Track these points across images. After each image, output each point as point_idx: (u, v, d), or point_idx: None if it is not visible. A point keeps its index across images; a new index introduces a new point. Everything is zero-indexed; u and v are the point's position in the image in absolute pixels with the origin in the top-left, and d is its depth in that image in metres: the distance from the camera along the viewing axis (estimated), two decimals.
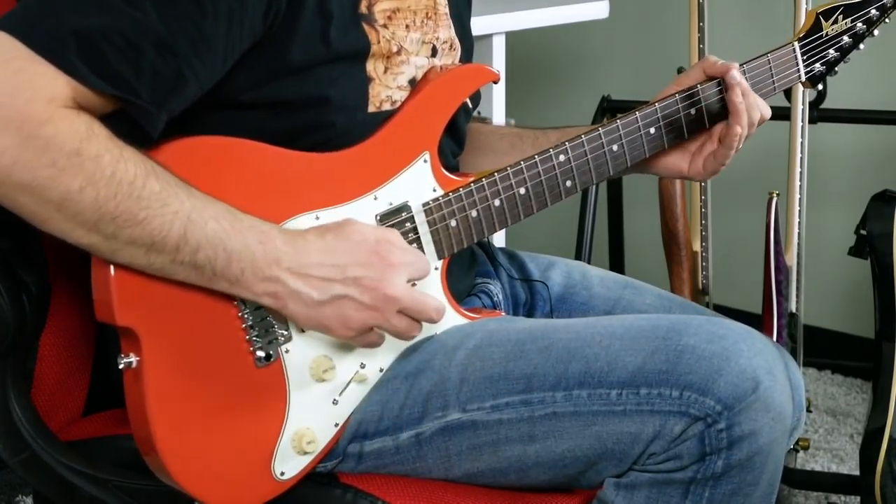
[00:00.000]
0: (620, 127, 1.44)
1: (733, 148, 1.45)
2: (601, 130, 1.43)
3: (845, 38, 1.55)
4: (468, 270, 1.52)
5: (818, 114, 2.30)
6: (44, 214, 1.14)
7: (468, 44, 1.52)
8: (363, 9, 1.32)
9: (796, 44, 1.53)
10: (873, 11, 1.56)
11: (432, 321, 1.30)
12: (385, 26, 1.34)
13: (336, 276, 1.23)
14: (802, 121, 2.22)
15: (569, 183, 1.42)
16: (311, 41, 1.27)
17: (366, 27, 1.32)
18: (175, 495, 1.28)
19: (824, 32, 1.54)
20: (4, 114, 1.10)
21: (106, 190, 1.14)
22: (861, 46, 1.57)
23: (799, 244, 2.25)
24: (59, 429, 1.41)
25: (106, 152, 1.14)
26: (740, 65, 1.48)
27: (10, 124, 1.10)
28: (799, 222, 2.24)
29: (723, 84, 1.45)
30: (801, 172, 2.23)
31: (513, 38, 2.55)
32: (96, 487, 1.35)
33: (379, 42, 1.33)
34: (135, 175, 1.15)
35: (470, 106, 1.51)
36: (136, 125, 1.18)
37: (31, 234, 1.35)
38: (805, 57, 1.53)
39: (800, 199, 2.23)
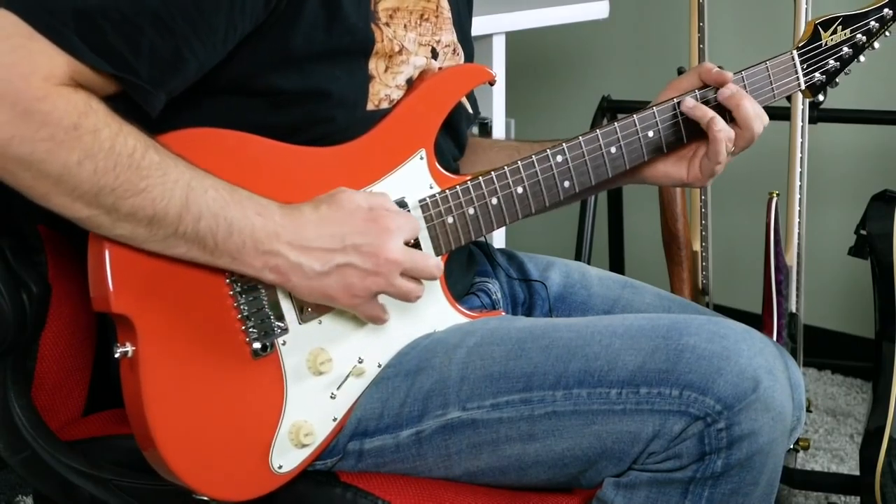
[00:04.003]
0: (618, 129, 1.44)
1: (720, 162, 1.46)
2: (599, 132, 1.43)
3: (845, 49, 1.55)
4: (467, 270, 1.52)
5: (818, 114, 2.30)
6: (43, 189, 1.15)
7: (469, 50, 1.52)
8: (372, 6, 1.33)
9: (795, 52, 1.53)
10: (873, 23, 1.56)
11: (433, 278, 1.31)
12: (387, 24, 1.34)
13: (336, 245, 1.24)
14: (802, 121, 2.22)
15: (567, 183, 1.42)
16: (314, 30, 1.27)
17: (373, 25, 1.32)
18: (175, 494, 1.28)
19: (823, 42, 1.54)
20: (1, 89, 1.11)
21: (105, 162, 1.15)
22: (862, 58, 1.57)
23: (799, 244, 2.25)
24: (59, 428, 1.41)
25: (105, 126, 1.15)
26: (739, 71, 1.48)
27: (6, 99, 1.11)
28: (799, 222, 2.24)
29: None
30: (801, 172, 2.23)
31: (513, 38, 2.55)
32: (96, 487, 1.35)
33: (382, 41, 1.33)
34: (134, 147, 1.16)
35: (471, 111, 1.51)
36: (137, 107, 1.19)
37: (32, 234, 1.36)
38: (805, 66, 1.53)
39: (800, 199, 2.23)
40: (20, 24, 1.13)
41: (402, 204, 1.35)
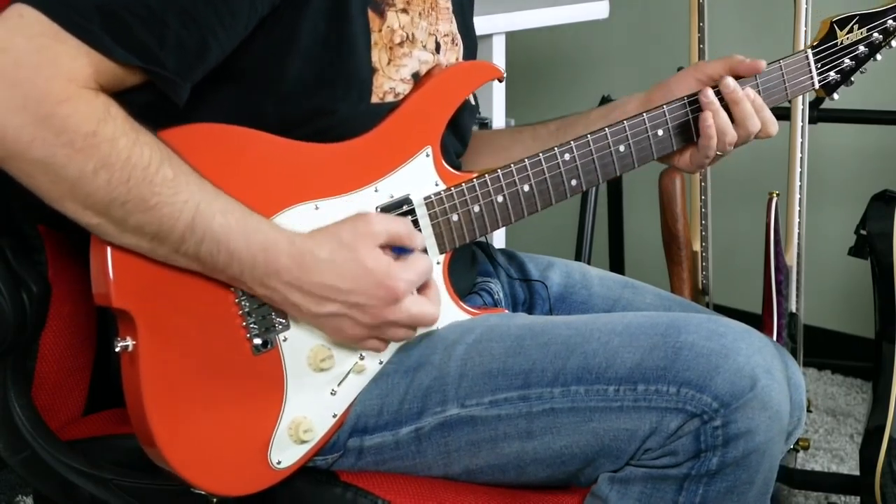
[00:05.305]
0: (627, 128, 1.43)
1: (709, 156, 1.45)
2: (608, 131, 1.43)
3: (861, 48, 1.54)
4: (469, 269, 1.52)
5: (818, 114, 2.30)
6: (57, 193, 1.15)
7: (471, 42, 1.52)
8: None
9: (809, 51, 1.52)
10: (890, 22, 1.54)
11: (428, 326, 1.32)
12: (405, 10, 1.34)
13: (337, 297, 1.24)
14: (802, 121, 2.22)
15: (574, 182, 1.42)
16: (319, 17, 1.27)
17: (371, 13, 1.32)
18: (176, 494, 1.28)
19: (839, 41, 1.53)
20: (25, 91, 1.11)
21: (120, 173, 1.14)
22: (878, 57, 1.56)
23: (799, 244, 2.25)
24: (59, 428, 1.41)
25: (122, 135, 1.15)
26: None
27: (30, 101, 1.11)
28: (799, 222, 2.24)
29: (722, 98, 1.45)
30: (801, 172, 2.23)
31: (513, 38, 2.55)
32: (96, 486, 1.35)
33: (381, 30, 1.33)
34: (149, 160, 1.16)
35: (474, 103, 1.51)
36: (160, 96, 1.19)
37: (32, 234, 1.36)
38: (819, 65, 1.53)
39: (800, 199, 2.23)
40: (45, 21, 1.12)
41: (406, 201, 1.35)
